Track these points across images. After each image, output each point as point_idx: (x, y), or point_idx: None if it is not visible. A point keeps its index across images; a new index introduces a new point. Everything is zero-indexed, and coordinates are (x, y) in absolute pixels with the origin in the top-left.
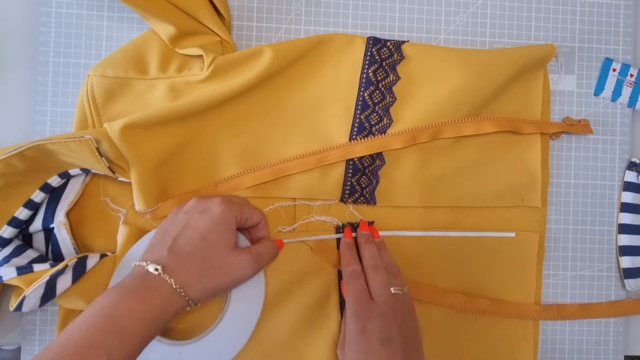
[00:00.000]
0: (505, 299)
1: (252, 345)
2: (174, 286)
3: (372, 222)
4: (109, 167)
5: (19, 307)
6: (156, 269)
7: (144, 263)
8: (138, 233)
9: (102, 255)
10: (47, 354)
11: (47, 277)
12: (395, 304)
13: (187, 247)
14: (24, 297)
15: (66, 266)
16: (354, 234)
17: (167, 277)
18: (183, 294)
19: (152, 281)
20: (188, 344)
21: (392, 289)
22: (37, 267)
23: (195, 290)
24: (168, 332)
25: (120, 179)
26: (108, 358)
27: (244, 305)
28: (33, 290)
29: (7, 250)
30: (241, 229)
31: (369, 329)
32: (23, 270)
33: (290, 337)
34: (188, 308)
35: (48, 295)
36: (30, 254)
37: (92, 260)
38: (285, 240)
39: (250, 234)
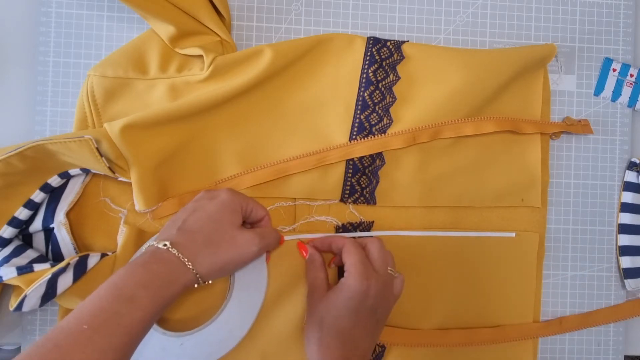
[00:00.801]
0: (505, 322)
1: (253, 344)
2: (181, 258)
3: (372, 222)
4: (109, 167)
5: (19, 307)
6: (164, 245)
7: (154, 242)
8: (138, 233)
9: (103, 255)
10: (66, 322)
11: (49, 276)
12: (375, 280)
13: (195, 225)
14: (25, 296)
15: (68, 265)
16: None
17: (175, 250)
18: (190, 266)
19: (160, 254)
20: (189, 335)
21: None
22: (38, 267)
23: (202, 263)
24: (168, 323)
25: (120, 179)
26: (118, 322)
27: (247, 294)
28: (34, 289)
29: (7, 250)
30: (245, 223)
31: (363, 291)
32: (23, 270)
33: (291, 336)
34: (196, 285)
35: (49, 295)
36: (30, 254)
37: (92, 260)
38: (285, 238)
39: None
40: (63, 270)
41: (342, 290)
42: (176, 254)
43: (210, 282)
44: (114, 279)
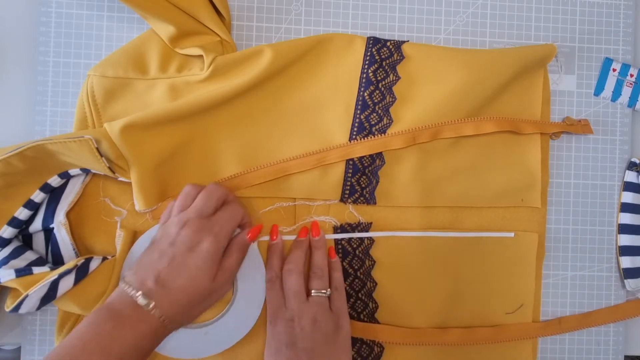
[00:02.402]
0: (505, 322)
1: (251, 345)
2: (162, 320)
3: (371, 224)
4: (109, 167)
5: (16, 308)
6: (147, 304)
7: (134, 291)
8: (136, 236)
9: (104, 259)
10: None
11: (56, 277)
12: (306, 308)
13: (177, 283)
14: (26, 297)
15: (74, 267)
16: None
17: (157, 311)
18: (168, 325)
19: (143, 313)
20: (210, 324)
21: (312, 292)
22: (37, 269)
23: (177, 321)
24: None
25: (120, 179)
26: None
27: (250, 283)
28: (36, 290)
29: (6, 251)
30: None
31: (277, 333)
32: (22, 272)
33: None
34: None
35: (49, 296)
36: (28, 256)
37: (94, 263)
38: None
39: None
40: (69, 272)
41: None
42: (158, 316)
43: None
44: (98, 331)
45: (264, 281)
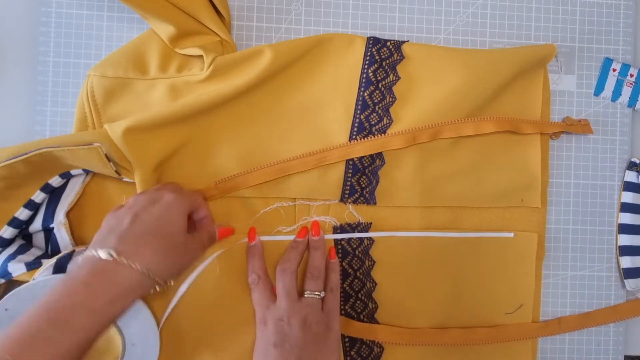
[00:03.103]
0: (504, 322)
1: (241, 345)
2: (138, 269)
3: (370, 224)
4: (116, 171)
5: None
6: (110, 255)
7: (92, 251)
8: None
9: None
10: None
11: (54, 260)
12: (296, 308)
13: (145, 230)
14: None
15: (73, 252)
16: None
17: (127, 260)
18: (151, 275)
19: (108, 271)
20: None
21: (306, 293)
22: (46, 262)
23: (162, 269)
24: None
25: (125, 179)
26: (51, 352)
27: (139, 338)
28: (41, 273)
29: (12, 248)
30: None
31: (265, 332)
32: (32, 265)
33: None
34: (157, 288)
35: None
36: (34, 252)
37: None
38: (280, 237)
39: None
40: (69, 257)
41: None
42: (134, 266)
43: (171, 283)
44: (49, 298)
45: (156, 336)
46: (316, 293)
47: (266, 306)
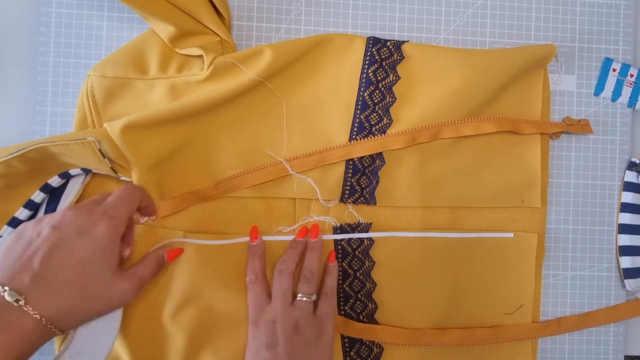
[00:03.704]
0: (504, 323)
1: (234, 346)
2: (41, 320)
3: (370, 224)
4: (111, 167)
5: None
6: (17, 300)
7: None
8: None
9: None
10: None
11: None
12: (289, 311)
13: (60, 275)
14: None
15: None
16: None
17: (32, 310)
18: (52, 327)
19: (10, 316)
20: None
21: (298, 296)
22: None
23: (67, 322)
24: None
25: (122, 178)
26: None
27: (92, 341)
28: None
29: None
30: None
31: (257, 334)
32: None
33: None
34: (53, 337)
35: None
36: None
37: None
38: (280, 238)
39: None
40: None
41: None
42: (38, 317)
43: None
44: None
45: (113, 332)
46: (307, 296)
47: (260, 307)
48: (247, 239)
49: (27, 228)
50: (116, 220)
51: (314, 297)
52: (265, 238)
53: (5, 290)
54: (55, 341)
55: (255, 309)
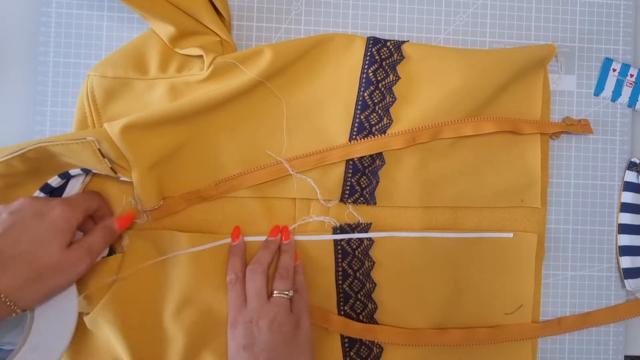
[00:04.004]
0: (504, 323)
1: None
2: (2, 298)
3: (370, 224)
4: (111, 168)
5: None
6: None
7: None
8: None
9: (110, 252)
10: None
11: None
12: (265, 308)
13: (14, 249)
14: None
15: None
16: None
17: None
18: (9, 303)
19: None
20: None
21: (274, 292)
22: None
23: (24, 297)
24: None
25: (122, 178)
26: None
27: (54, 322)
28: None
29: None
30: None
31: (235, 335)
32: None
33: None
34: (13, 315)
35: None
36: None
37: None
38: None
39: (94, 219)
40: None
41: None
42: None
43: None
44: None
45: (70, 328)
46: (285, 293)
47: (238, 308)
48: (229, 240)
49: None
50: (73, 207)
51: (290, 293)
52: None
53: None
54: None
55: (233, 310)
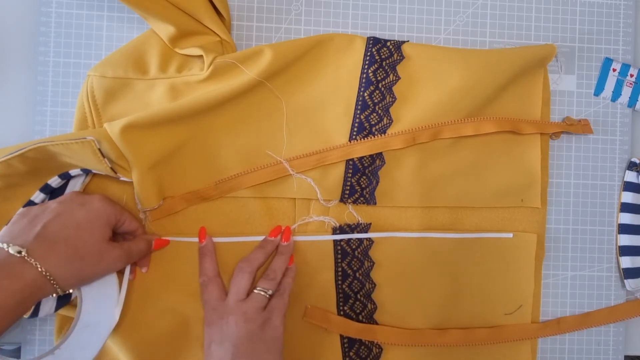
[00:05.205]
0: (503, 323)
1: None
2: (41, 271)
3: (370, 224)
4: (111, 168)
5: (35, 312)
6: (19, 252)
7: (4, 245)
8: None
9: None
10: None
11: None
12: (240, 306)
13: (59, 234)
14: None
15: None
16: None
17: (33, 260)
18: (52, 280)
19: (13, 265)
20: (57, 348)
21: (256, 289)
22: None
23: (64, 277)
24: None
25: (122, 178)
26: None
27: (99, 303)
28: None
29: None
30: (115, 235)
31: (209, 332)
32: None
33: None
34: (54, 295)
35: (65, 295)
36: None
37: None
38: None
39: (124, 239)
40: None
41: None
42: (35, 265)
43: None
44: None
45: (114, 307)
46: (264, 290)
47: (213, 307)
48: (196, 239)
49: (32, 208)
50: (112, 203)
51: (270, 292)
52: (193, 239)
53: (9, 246)
54: (56, 339)
55: (208, 310)
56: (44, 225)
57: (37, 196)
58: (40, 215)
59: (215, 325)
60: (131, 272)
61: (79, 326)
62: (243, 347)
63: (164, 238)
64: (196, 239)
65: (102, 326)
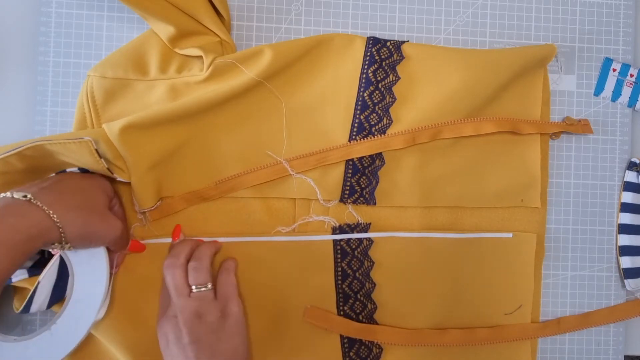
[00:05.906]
0: (503, 323)
1: None
2: (48, 213)
3: (369, 224)
4: (108, 168)
5: (27, 307)
6: (24, 196)
7: (8, 193)
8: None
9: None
10: None
11: (58, 255)
12: (188, 302)
13: (66, 189)
14: (36, 288)
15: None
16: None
17: (39, 203)
18: (58, 224)
19: (19, 207)
20: (53, 323)
21: (192, 288)
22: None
23: (70, 224)
24: None
25: (118, 179)
26: None
27: (89, 281)
28: (46, 274)
29: None
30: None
31: (162, 331)
32: (33, 272)
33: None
34: (55, 248)
35: (59, 288)
36: (33, 256)
37: None
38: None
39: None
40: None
41: None
42: (42, 206)
43: (71, 248)
44: None
45: (104, 282)
46: (202, 287)
47: (164, 306)
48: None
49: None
50: (108, 181)
51: (209, 286)
52: (264, 239)
53: (13, 193)
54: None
55: (162, 309)
56: (50, 182)
57: None
58: (45, 180)
59: (168, 323)
60: (116, 266)
61: (71, 302)
62: (203, 342)
63: (141, 242)
64: (196, 240)
65: (93, 299)
